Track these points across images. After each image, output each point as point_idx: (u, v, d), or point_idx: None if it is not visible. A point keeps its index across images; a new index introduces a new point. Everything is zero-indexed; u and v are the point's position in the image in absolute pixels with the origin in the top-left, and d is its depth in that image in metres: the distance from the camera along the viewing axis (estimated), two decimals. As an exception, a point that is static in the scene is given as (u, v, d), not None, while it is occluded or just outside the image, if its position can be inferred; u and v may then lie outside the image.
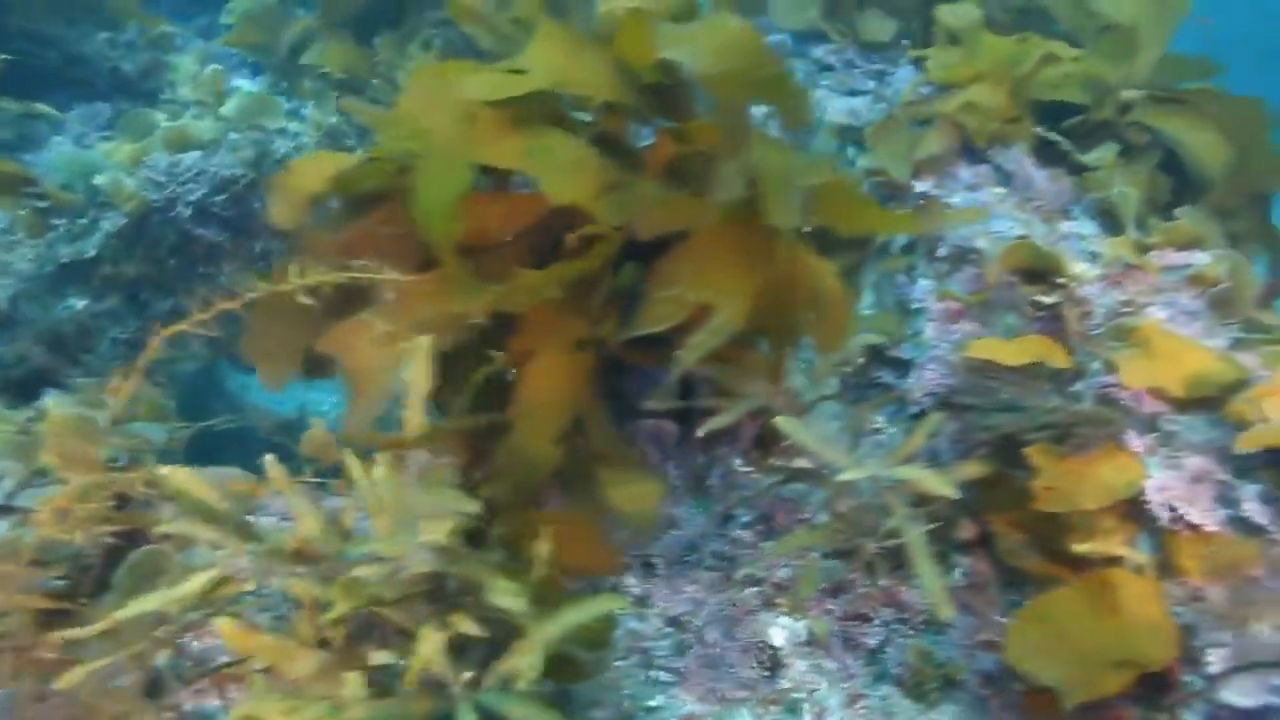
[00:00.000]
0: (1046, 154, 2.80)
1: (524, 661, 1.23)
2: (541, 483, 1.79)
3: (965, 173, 2.48)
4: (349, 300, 1.69)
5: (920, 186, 2.48)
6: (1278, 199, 3.15)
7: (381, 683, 1.26)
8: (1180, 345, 1.78)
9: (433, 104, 1.83)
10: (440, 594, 1.42)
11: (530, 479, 1.81)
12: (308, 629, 1.21)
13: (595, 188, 1.73)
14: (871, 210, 1.86)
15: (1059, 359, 1.89)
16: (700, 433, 1.83)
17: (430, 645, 1.26)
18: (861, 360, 2.52)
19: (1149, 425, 1.70)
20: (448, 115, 1.82)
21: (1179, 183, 2.87)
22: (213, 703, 1.40)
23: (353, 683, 1.15)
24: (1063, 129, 2.78)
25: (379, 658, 1.22)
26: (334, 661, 1.19)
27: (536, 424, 1.91)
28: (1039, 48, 2.81)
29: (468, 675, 1.26)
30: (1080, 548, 1.66)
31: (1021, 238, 2.12)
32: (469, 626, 1.31)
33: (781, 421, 1.81)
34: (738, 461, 2.03)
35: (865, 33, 3.26)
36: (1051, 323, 2.03)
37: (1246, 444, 1.58)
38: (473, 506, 1.38)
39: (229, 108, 3.56)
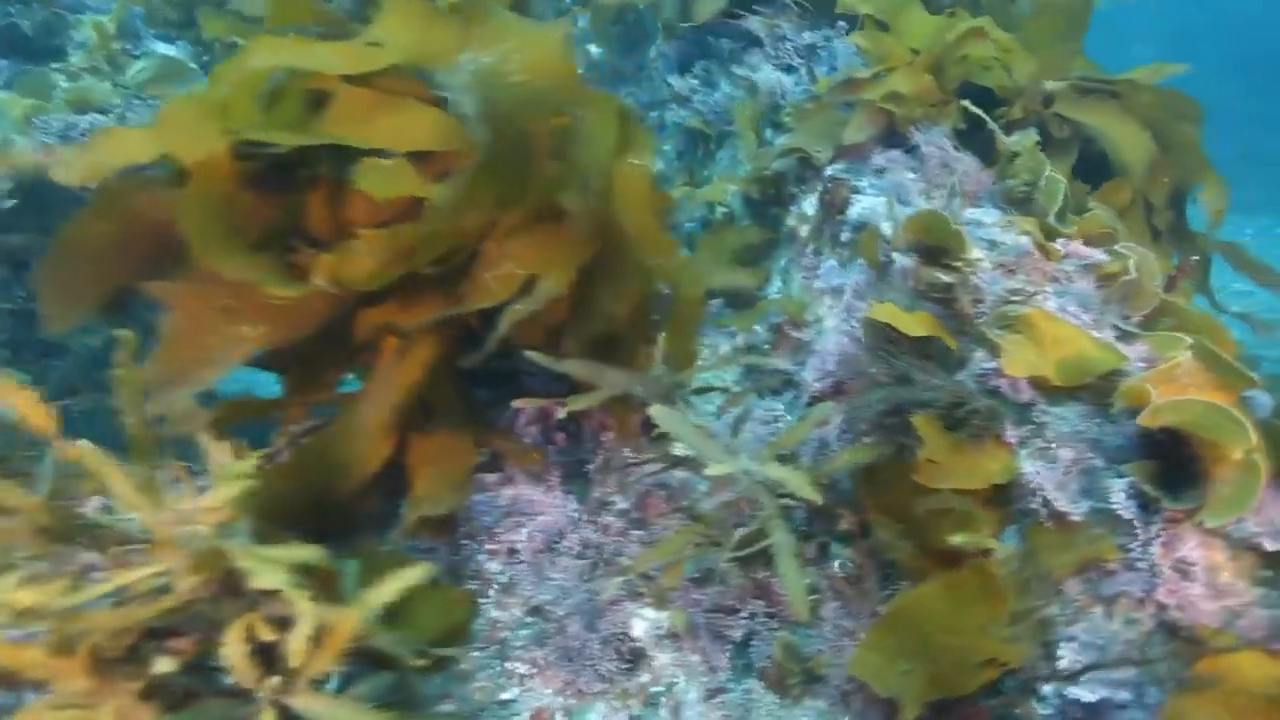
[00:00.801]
0: (972, 139, 2.76)
1: (325, 659, 1.16)
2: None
3: (878, 157, 2.42)
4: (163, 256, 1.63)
5: (829, 170, 2.41)
6: (1194, 195, 3.14)
7: (177, 692, 1.18)
8: (1063, 332, 1.73)
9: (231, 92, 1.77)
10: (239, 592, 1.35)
11: (359, 465, 1.76)
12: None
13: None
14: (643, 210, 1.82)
15: (948, 340, 1.84)
16: (560, 414, 1.76)
17: (232, 649, 1.18)
18: (768, 345, 2.46)
19: (1024, 414, 1.65)
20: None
21: (1098, 176, 2.83)
22: None
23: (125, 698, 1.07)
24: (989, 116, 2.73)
25: (162, 666, 1.13)
26: (112, 675, 1.11)
27: (371, 408, 1.85)
28: (966, 24, 2.75)
29: (275, 680, 1.19)
30: (953, 539, 1.62)
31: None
32: (266, 631, 1.24)
33: (655, 411, 1.75)
34: (625, 449, 1.98)
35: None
36: (944, 305, 1.98)
37: (1148, 421, 1.53)
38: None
39: (136, 72, 3.42)
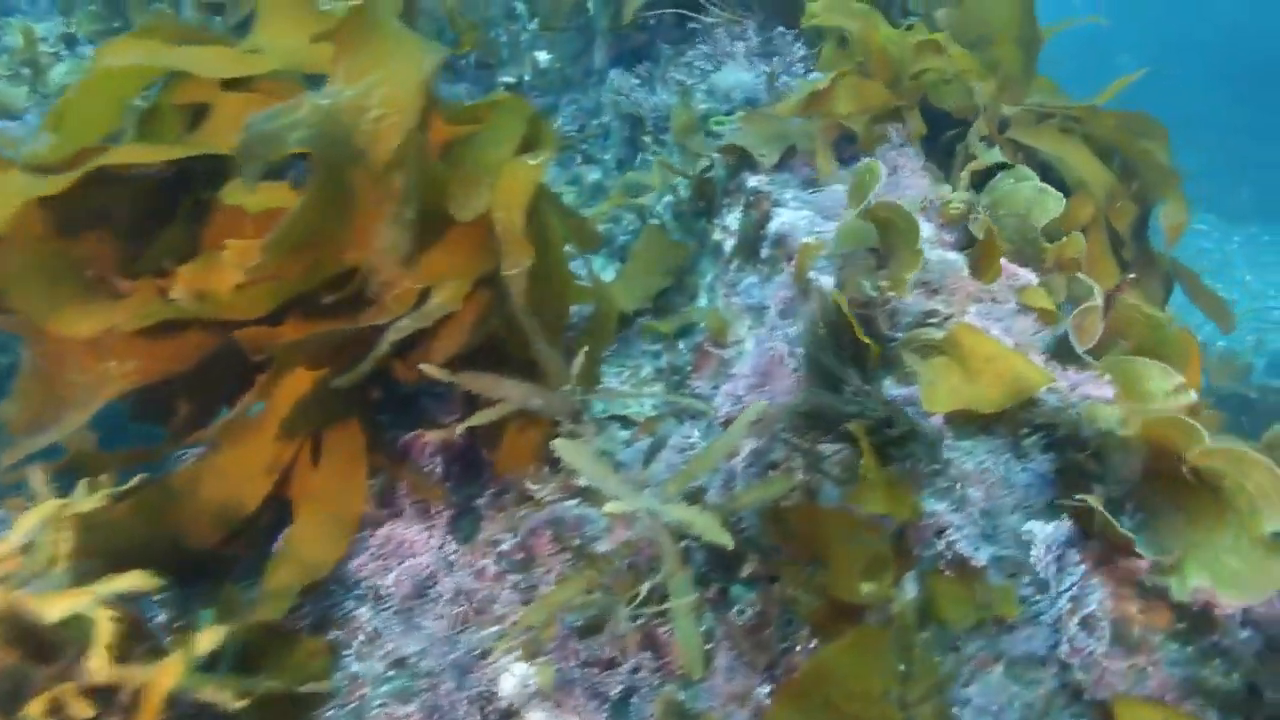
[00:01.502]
0: (934, 150, 2.64)
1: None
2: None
3: (807, 168, 2.29)
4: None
5: (752, 181, 2.28)
6: (1156, 212, 3.03)
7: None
8: (991, 349, 1.59)
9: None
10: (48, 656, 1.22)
11: (234, 503, 1.63)
12: None
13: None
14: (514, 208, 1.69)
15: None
16: (458, 433, 1.64)
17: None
18: (690, 366, 2.33)
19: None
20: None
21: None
22: None
23: None
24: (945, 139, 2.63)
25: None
26: None
27: (253, 440, 1.73)
28: (921, 35, 2.63)
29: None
30: (864, 588, 1.48)
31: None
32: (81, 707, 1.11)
33: (558, 443, 1.62)
34: (525, 479, 1.85)
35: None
36: (864, 324, 1.86)
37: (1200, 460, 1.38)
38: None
39: (60, 76, 3.29)
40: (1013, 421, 1.52)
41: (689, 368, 2.32)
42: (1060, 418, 1.49)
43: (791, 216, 2.11)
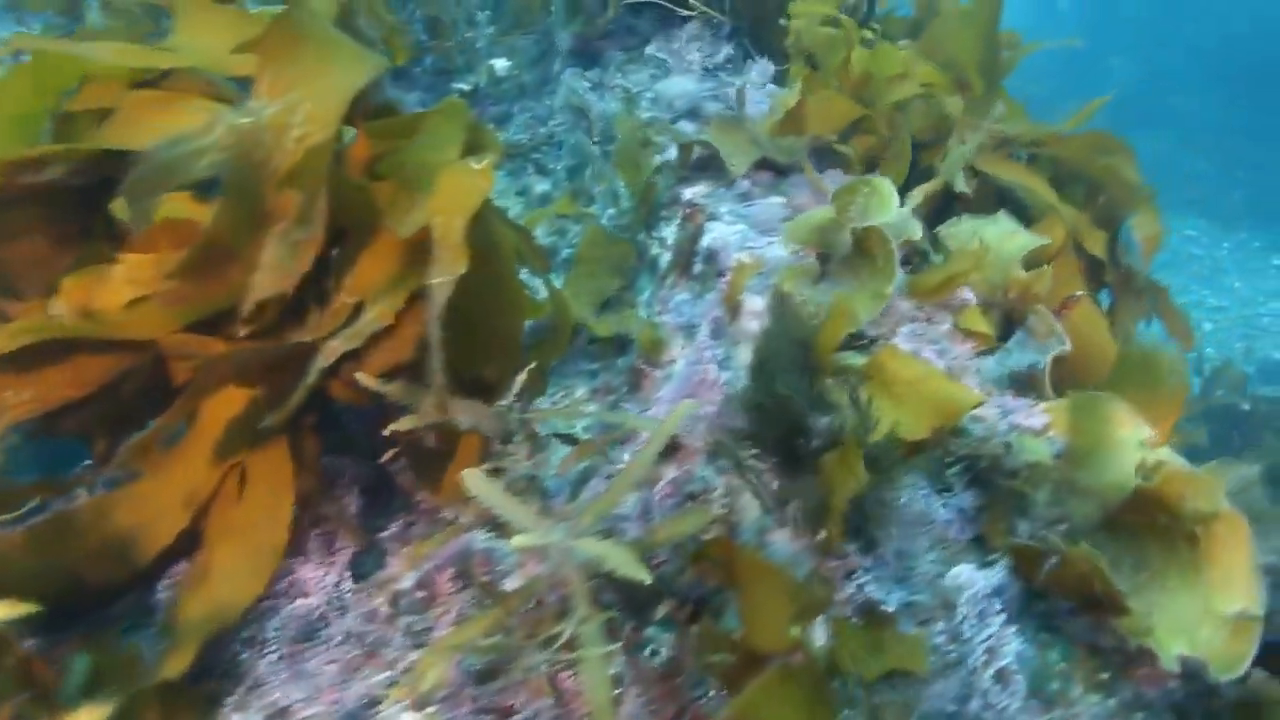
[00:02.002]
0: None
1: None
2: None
3: (744, 181, 2.20)
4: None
5: (688, 193, 2.19)
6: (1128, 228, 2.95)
7: None
8: (916, 371, 1.49)
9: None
10: None
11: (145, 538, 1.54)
12: None
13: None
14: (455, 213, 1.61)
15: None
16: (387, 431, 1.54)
17: None
18: (627, 385, 2.24)
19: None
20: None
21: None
22: None
23: None
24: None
25: None
26: None
27: (171, 469, 1.64)
28: (890, 57, 2.55)
29: None
30: (774, 636, 1.38)
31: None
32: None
33: (465, 471, 1.52)
34: (443, 508, 1.76)
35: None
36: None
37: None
38: None
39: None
40: (935, 451, 1.42)
41: (626, 387, 2.23)
42: (985, 448, 1.40)
43: (724, 231, 2.02)
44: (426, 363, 1.68)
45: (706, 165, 2.25)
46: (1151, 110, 13.04)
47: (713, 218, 2.09)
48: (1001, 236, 2.04)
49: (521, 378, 1.70)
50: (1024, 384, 1.81)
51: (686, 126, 2.41)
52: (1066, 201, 2.76)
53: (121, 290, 1.68)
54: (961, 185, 2.21)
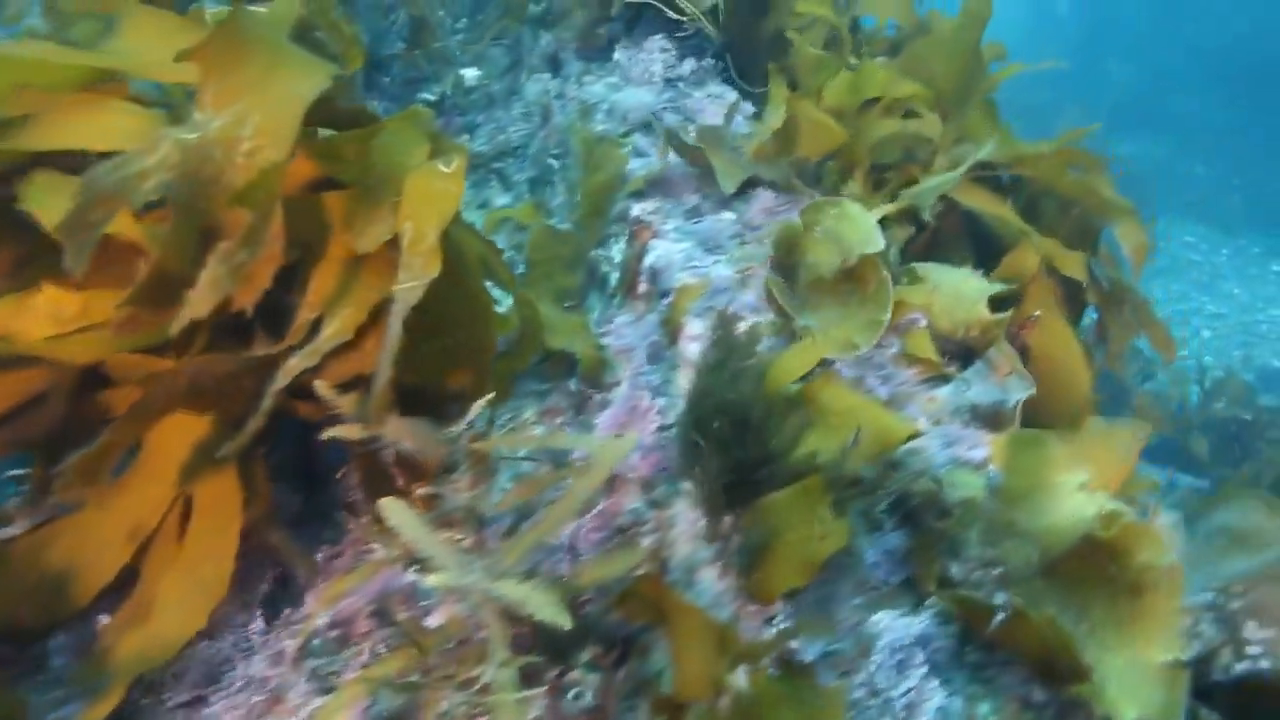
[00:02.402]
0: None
1: None
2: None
3: (692, 195, 2.13)
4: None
5: (636, 209, 2.12)
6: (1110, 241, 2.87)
7: None
8: (850, 403, 1.42)
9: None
10: None
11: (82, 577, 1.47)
12: None
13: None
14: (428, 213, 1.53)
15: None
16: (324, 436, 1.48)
17: None
18: (571, 410, 2.17)
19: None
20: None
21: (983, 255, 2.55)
22: None
23: None
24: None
25: None
26: None
27: (114, 502, 1.58)
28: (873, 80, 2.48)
29: None
30: (698, 684, 1.31)
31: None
32: None
33: (384, 501, 1.45)
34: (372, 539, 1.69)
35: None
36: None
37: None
38: None
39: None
40: (866, 486, 1.34)
41: (572, 410, 2.15)
42: (918, 484, 1.32)
43: (668, 249, 1.95)
44: (375, 373, 1.61)
45: (659, 180, 2.17)
46: (1150, 113, 12.94)
47: (658, 235, 2.01)
48: (963, 277, 1.97)
49: (481, 404, 1.62)
50: (986, 420, 1.73)
51: (640, 140, 2.34)
52: (1040, 224, 2.69)
53: (43, 324, 1.61)
54: (928, 215, 2.14)
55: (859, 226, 1.72)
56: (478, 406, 1.60)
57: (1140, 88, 13.51)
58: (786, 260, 1.86)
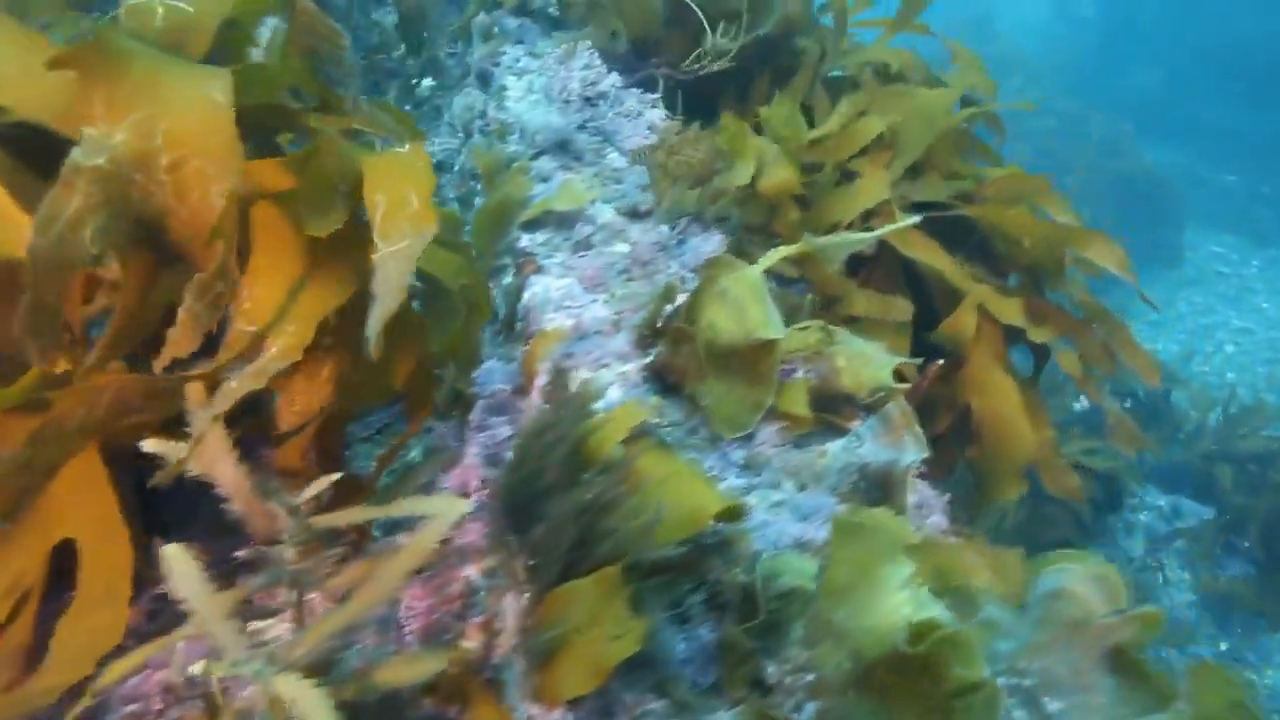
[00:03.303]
0: None
1: None
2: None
3: (585, 226, 1.99)
4: None
5: (525, 240, 1.98)
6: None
7: None
8: (669, 470, 1.27)
9: None
10: None
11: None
12: None
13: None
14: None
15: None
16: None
17: None
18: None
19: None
20: None
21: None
22: None
23: None
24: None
25: None
26: None
27: None
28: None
29: None
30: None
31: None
32: None
33: (167, 551, 1.33)
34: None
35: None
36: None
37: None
38: None
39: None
40: (673, 573, 1.20)
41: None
42: (731, 574, 1.17)
43: (546, 286, 1.81)
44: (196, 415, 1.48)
45: (554, 209, 2.04)
46: (1177, 119, 12.52)
47: (541, 270, 1.88)
48: (870, 347, 1.82)
49: (323, 484, 1.48)
50: (875, 485, 1.58)
51: (547, 164, 2.21)
52: (992, 263, 2.53)
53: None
54: (834, 267, 1.99)
55: (761, 304, 1.57)
56: (317, 485, 1.47)
57: (1168, 92, 13.08)
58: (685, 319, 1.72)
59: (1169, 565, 5.30)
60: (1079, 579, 1.10)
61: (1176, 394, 6.88)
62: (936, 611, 1.01)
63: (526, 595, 1.19)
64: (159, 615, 1.55)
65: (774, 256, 1.81)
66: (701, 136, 2.24)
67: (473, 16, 3.40)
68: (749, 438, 1.49)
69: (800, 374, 1.60)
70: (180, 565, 1.27)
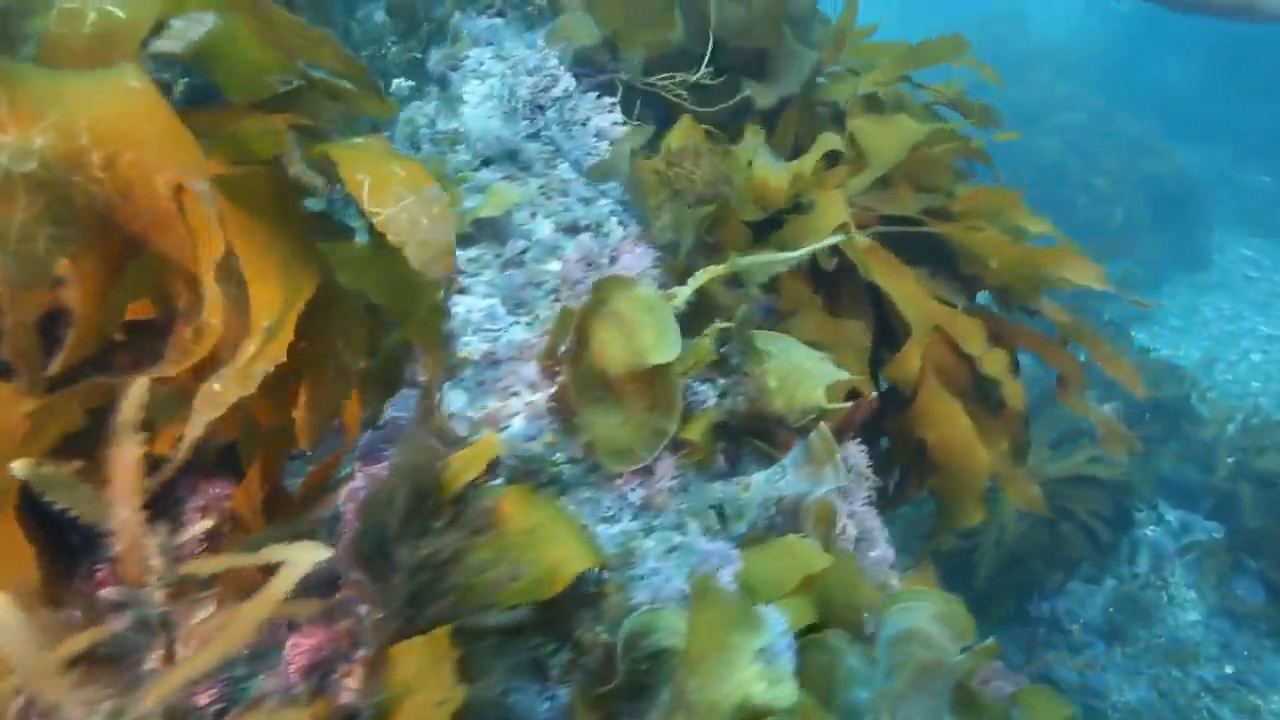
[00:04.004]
0: None
1: None
2: None
3: (519, 242, 1.92)
4: None
5: (464, 253, 1.92)
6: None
7: None
8: (531, 528, 1.20)
9: None
10: None
11: None
12: None
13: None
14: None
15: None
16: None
17: None
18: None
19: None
20: None
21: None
22: None
23: None
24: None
25: None
26: None
27: None
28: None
29: None
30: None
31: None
32: None
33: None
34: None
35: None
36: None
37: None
38: None
39: None
40: (538, 630, 1.14)
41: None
42: (590, 635, 1.11)
43: (470, 306, 1.75)
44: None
45: (489, 223, 1.98)
46: (1209, 116, 12.16)
47: (466, 290, 1.82)
48: (811, 358, 1.73)
49: (206, 524, 1.41)
50: (790, 519, 1.51)
51: (487, 175, 2.15)
52: (960, 281, 2.43)
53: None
54: (754, 289, 1.91)
55: (655, 324, 1.49)
56: (200, 526, 1.42)
57: (1200, 88, 12.71)
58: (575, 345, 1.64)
59: (1174, 584, 5.14)
60: (927, 619, 1.02)
61: (1196, 403, 6.69)
62: (785, 690, 0.94)
63: (372, 650, 1.13)
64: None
65: (702, 278, 1.74)
66: (702, 150, 2.17)
67: (448, 17, 3.34)
68: (648, 471, 1.43)
69: (713, 401, 1.53)
70: (3, 617, 1.22)
